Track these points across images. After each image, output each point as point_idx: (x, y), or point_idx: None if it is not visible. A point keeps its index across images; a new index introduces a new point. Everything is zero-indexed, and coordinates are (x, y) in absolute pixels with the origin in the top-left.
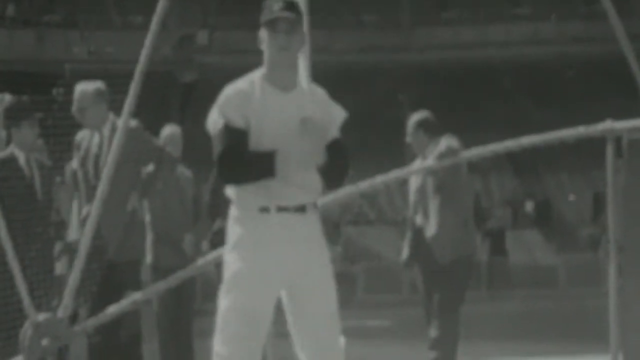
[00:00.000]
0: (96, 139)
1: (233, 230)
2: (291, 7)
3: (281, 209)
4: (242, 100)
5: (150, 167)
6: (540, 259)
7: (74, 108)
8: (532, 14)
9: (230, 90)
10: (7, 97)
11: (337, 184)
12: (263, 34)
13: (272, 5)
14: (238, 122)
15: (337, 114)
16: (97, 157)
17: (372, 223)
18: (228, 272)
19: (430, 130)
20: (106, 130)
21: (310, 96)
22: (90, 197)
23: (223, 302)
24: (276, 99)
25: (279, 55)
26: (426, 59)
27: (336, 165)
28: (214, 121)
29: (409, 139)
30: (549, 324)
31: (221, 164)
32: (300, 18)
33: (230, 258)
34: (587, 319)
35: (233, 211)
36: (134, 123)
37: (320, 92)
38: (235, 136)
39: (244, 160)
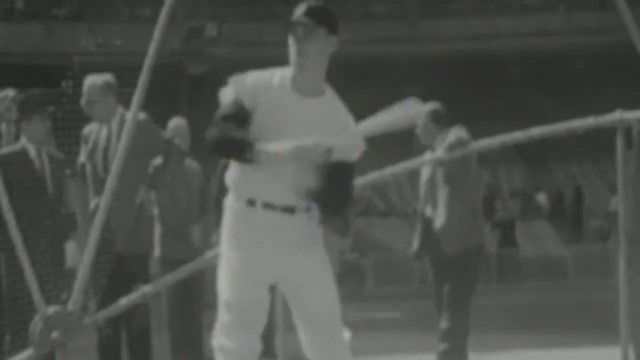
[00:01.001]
0: (104, 132)
1: (225, 219)
2: (312, 13)
3: (267, 206)
4: (260, 85)
5: (157, 160)
6: (549, 250)
7: (83, 101)
8: (541, 5)
9: (253, 72)
10: (11, 93)
11: (331, 208)
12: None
13: (297, 9)
14: (247, 102)
15: (356, 142)
16: (106, 150)
17: (382, 215)
18: (222, 263)
19: (440, 121)
20: (114, 123)
21: (335, 111)
22: (98, 190)
23: (221, 294)
24: (292, 100)
25: (295, 59)
26: (434, 51)
27: (334, 187)
28: (226, 93)
29: (418, 130)
30: (559, 316)
31: (211, 131)
32: (320, 24)
33: (222, 248)
34: (597, 311)
35: (228, 201)
36: (142, 116)
37: (347, 116)
38: (238, 112)
39: (229, 134)
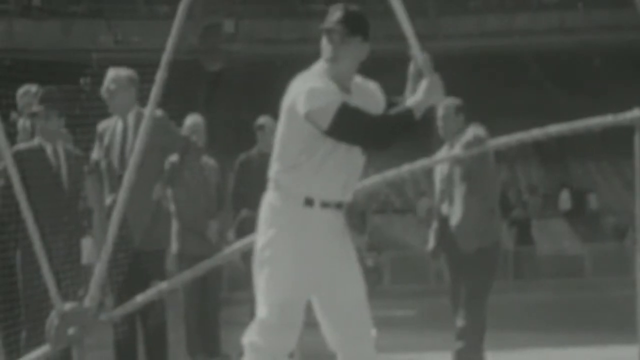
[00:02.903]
0: (120, 126)
1: (274, 220)
2: (349, 20)
3: (324, 205)
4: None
5: (173, 157)
6: (566, 248)
7: (104, 89)
8: (559, 2)
9: (324, 84)
10: (33, 88)
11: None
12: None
13: (333, 13)
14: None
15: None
16: (122, 145)
17: (399, 212)
18: (271, 264)
19: (464, 115)
20: (131, 119)
21: (366, 93)
22: (114, 187)
23: (267, 294)
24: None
25: (329, 65)
26: (452, 47)
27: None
28: (326, 104)
29: (441, 122)
30: (576, 314)
31: (374, 128)
32: (356, 32)
33: (272, 250)
34: (614, 309)
35: (273, 199)
36: (159, 112)
37: (374, 86)
38: (357, 107)
39: (389, 120)
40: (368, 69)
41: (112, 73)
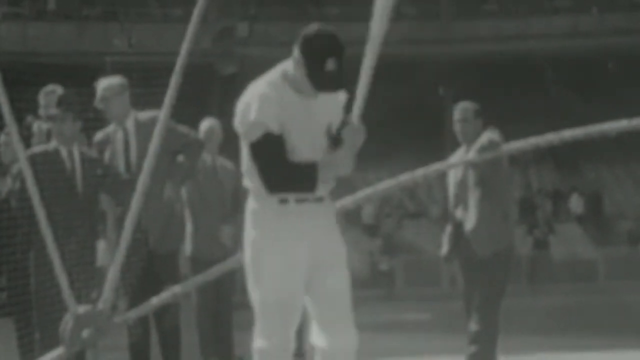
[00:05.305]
0: (120, 134)
1: (254, 222)
2: (341, 54)
3: (300, 200)
4: (278, 106)
5: (180, 158)
6: (580, 252)
7: (98, 98)
8: (573, 6)
9: (263, 95)
10: (59, 90)
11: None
12: (302, 61)
13: (325, 58)
14: (276, 129)
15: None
16: (126, 152)
17: (412, 216)
18: (256, 265)
19: (484, 120)
20: (129, 124)
21: (333, 97)
22: (123, 195)
23: (257, 296)
24: (301, 104)
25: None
26: (467, 52)
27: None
28: (250, 125)
29: (458, 126)
30: (589, 318)
31: (266, 175)
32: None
33: (255, 251)
34: (628, 313)
35: (252, 204)
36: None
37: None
38: (276, 145)
39: (288, 172)
40: (379, 73)
41: (104, 82)
